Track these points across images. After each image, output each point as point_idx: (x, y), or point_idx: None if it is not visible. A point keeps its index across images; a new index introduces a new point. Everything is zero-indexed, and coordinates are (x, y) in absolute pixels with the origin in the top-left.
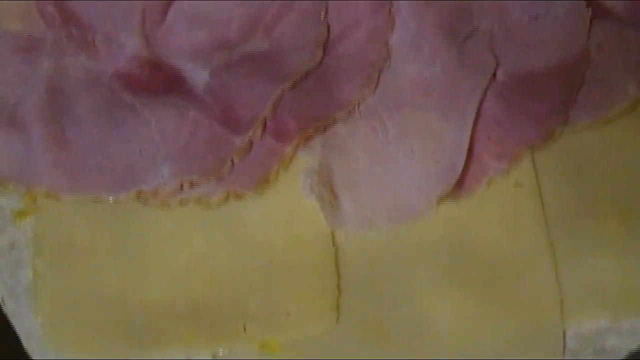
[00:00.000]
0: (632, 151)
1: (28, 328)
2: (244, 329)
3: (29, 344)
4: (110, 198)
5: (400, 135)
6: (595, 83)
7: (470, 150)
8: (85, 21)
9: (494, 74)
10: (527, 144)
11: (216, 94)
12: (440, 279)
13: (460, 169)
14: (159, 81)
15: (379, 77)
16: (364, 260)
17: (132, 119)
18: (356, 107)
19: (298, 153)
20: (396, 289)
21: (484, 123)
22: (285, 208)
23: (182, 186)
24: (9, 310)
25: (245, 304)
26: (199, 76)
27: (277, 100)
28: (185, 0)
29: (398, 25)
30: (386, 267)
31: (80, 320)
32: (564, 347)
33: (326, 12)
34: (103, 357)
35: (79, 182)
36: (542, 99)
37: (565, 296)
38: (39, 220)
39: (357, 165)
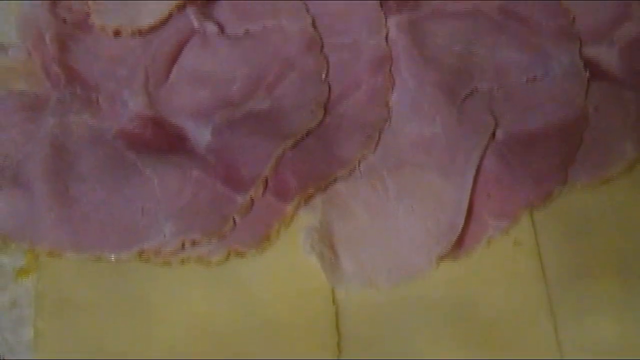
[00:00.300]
0: (630, 211)
1: None
2: None
3: None
4: (112, 256)
5: (401, 193)
6: (594, 143)
7: (469, 208)
8: (89, 80)
9: (493, 134)
10: (526, 203)
11: (218, 152)
12: (441, 337)
13: (460, 227)
14: (161, 140)
15: (379, 136)
16: (364, 318)
17: (135, 177)
18: (357, 166)
19: (299, 211)
20: (397, 348)
21: (484, 182)
22: (286, 266)
23: (183, 245)
24: None
25: None
26: (201, 135)
27: (278, 158)
28: (188, 60)
29: (398, 85)
30: (386, 325)
31: None
32: None
33: (327, 72)
34: None
35: (82, 240)
36: (541, 159)
37: (565, 356)
38: (41, 278)
39: (358, 223)
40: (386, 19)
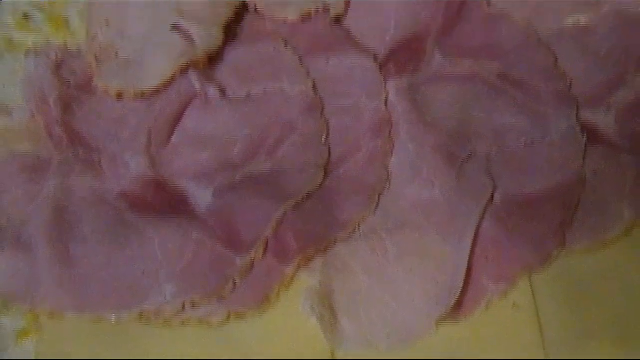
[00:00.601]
0: (629, 275)
1: None
2: None
3: None
4: (113, 317)
5: (400, 255)
6: (592, 206)
7: (468, 271)
8: (92, 142)
9: (492, 197)
10: (524, 266)
11: (219, 214)
12: None
13: (459, 290)
14: (163, 201)
15: (379, 199)
16: None
17: (136, 239)
18: (357, 228)
19: (299, 272)
20: None
21: (482, 245)
22: (286, 327)
23: (184, 306)
24: None
25: None
26: (202, 196)
27: (278, 220)
28: (190, 122)
29: (398, 148)
30: None
31: None
32: None
33: (327, 135)
34: None
35: (83, 301)
36: (539, 222)
37: None
38: (41, 340)
39: (357, 285)
40: (386, 82)
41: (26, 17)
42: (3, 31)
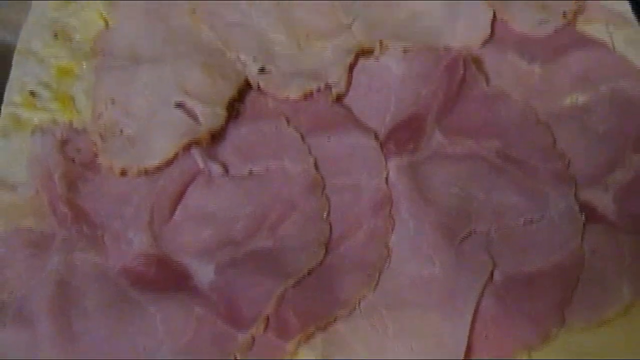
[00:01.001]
0: (627, 352)
1: None
2: None
3: None
4: None
5: (400, 332)
6: (590, 285)
7: (468, 349)
8: (95, 218)
9: (491, 275)
10: (524, 344)
11: (221, 290)
12: None
13: None
14: (165, 278)
15: (379, 276)
16: None
17: (138, 315)
18: (357, 305)
19: (299, 349)
20: None
21: (482, 322)
22: None
23: None
24: None
25: None
26: (204, 273)
27: (279, 297)
28: (192, 199)
29: (398, 226)
30: None
31: None
32: None
33: (328, 213)
34: None
35: None
36: (538, 300)
37: None
38: None
39: None
40: (386, 161)
41: (33, 95)
42: (10, 109)
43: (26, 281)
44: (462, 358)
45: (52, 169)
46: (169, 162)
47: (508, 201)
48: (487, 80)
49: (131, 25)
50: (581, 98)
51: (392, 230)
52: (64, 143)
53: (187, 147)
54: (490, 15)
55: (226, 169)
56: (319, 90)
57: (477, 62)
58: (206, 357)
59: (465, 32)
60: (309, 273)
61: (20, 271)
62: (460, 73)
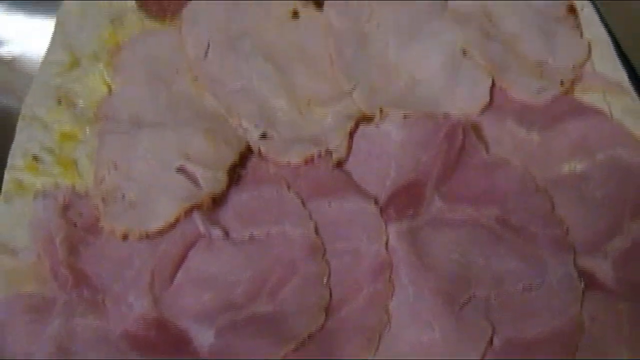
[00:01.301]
0: None
1: None
2: None
3: None
4: None
5: None
6: (589, 352)
7: None
8: (97, 282)
9: (491, 340)
10: None
11: (221, 354)
12: None
13: None
14: (165, 341)
15: (379, 340)
16: None
17: None
18: None
19: None
20: None
21: None
22: None
23: None
24: None
25: None
26: (204, 337)
27: None
28: (193, 263)
29: (398, 291)
30: None
31: None
32: None
33: (328, 277)
34: None
35: None
36: None
37: None
38: None
39: None
40: (386, 226)
41: (36, 159)
42: (14, 174)
43: (27, 346)
44: None
45: (54, 233)
46: (171, 226)
47: (507, 267)
48: (487, 147)
49: (134, 91)
50: (579, 166)
51: (392, 295)
52: (66, 207)
53: (188, 212)
54: (489, 83)
55: (227, 233)
56: (319, 155)
57: (477, 129)
58: None
59: (464, 99)
60: (310, 337)
61: (20, 336)
62: (459, 140)
